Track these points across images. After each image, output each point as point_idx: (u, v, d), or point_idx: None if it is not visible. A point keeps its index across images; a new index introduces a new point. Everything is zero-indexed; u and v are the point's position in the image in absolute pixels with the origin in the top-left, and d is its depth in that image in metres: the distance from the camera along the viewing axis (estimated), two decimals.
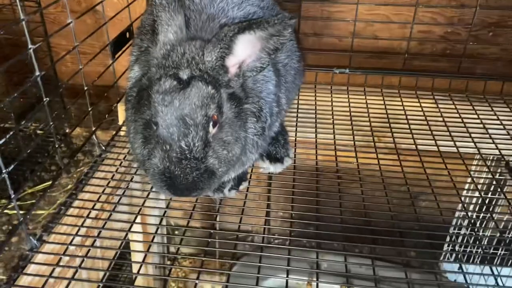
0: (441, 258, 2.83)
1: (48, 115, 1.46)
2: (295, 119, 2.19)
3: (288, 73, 1.76)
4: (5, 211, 2.35)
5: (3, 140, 1.24)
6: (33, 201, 2.35)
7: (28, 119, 2.70)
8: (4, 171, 1.25)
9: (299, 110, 2.27)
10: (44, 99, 1.43)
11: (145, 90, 1.35)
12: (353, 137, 2.07)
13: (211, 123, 1.27)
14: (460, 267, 1.57)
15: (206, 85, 1.25)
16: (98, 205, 1.60)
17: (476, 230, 2.41)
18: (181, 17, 1.32)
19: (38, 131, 2.88)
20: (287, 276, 1.40)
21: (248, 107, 1.42)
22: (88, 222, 1.53)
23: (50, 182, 2.51)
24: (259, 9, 1.64)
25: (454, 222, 2.41)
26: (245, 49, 1.27)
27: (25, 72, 2.94)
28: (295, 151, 1.97)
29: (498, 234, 1.75)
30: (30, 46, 1.33)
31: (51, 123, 1.49)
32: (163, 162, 1.23)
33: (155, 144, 1.26)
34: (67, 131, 2.79)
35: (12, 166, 1.28)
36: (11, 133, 1.28)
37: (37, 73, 1.38)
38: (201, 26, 1.42)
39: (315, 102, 2.35)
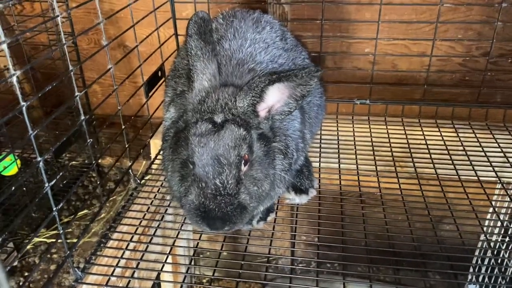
0: (466, 283, 2.83)
1: (92, 155, 1.58)
2: (318, 148, 2.28)
3: (312, 109, 1.87)
4: (43, 239, 2.47)
5: (53, 182, 1.36)
6: (69, 229, 2.47)
7: (75, 157, 2.84)
8: (54, 209, 1.36)
9: (322, 140, 2.35)
10: (88, 140, 1.55)
11: (181, 132, 1.46)
12: (376, 166, 2.14)
13: (242, 162, 1.36)
14: None
15: (238, 127, 1.35)
16: (135, 237, 1.70)
17: (500, 256, 2.42)
18: (214, 65, 1.44)
19: (73, 162, 3.03)
20: None
21: (276, 145, 1.51)
22: (127, 254, 1.63)
23: (85, 211, 2.66)
24: (284, 51, 1.75)
25: (477, 252, 2.43)
26: (274, 96, 1.38)
27: (59, 105, 3.12)
28: (319, 178, 2.06)
29: None
30: (76, 93, 1.45)
31: (94, 162, 1.61)
32: (199, 198, 1.33)
33: (191, 182, 1.36)
34: (99, 161, 2.94)
35: (61, 204, 1.39)
36: (61, 173, 1.39)
37: (82, 117, 1.51)
38: (232, 71, 1.53)
39: (337, 132, 2.43)
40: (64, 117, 3.03)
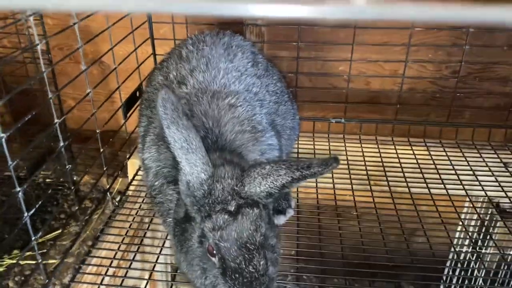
0: None
1: (70, 180, 1.57)
2: None
3: (285, 132, 1.93)
4: (18, 261, 2.43)
5: (32, 211, 1.35)
6: (44, 250, 2.43)
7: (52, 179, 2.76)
8: (33, 238, 1.35)
9: (300, 158, 2.40)
10: (67, 166, 1.54)
11: (184, 223, 1.40)
12: (351, 185, 2.19)
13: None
14: None
15: (251, 209, 1.31)
16: (114, 262, 1.69)
17: (470, 268, 2.52)
18: (202, 149, 1.33)
19: (48, 180, 2.98)
20: None
21: None
22: (106, 280, 1.62)
23: (60, 231, 2.62)
24: (257, 79, 1.77)
25: (448, 263, 2.52)
26: None
27: (36, 123, 3.06)
28: (297, 198, 2.10)
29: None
30: (56, 120, 1.45)
31: (73, 187, 1.60)
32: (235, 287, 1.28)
33: (221, 275, 1.30)
34: (75, 178, 2.89)
35: (40, 234, 1.38)
36: (39, 203, 1.38)
37: (61, 143, 1.50)
38: (215, 141, 1.49)
39: (314, 150, 2.48)
40: (38, 132, 2.98)
